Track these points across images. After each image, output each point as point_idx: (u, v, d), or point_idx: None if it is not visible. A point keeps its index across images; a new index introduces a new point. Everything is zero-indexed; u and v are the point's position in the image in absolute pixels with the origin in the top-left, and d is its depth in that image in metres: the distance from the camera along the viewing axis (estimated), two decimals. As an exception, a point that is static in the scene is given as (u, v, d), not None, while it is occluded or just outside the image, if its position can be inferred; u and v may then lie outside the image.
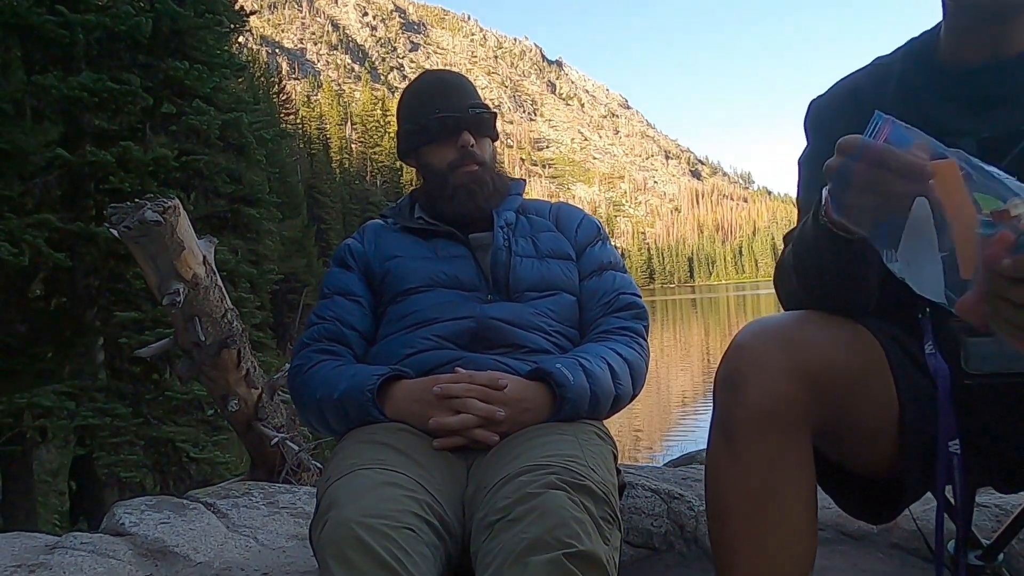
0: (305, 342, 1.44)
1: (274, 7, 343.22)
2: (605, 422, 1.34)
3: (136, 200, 2.80)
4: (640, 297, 1.51)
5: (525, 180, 1.65)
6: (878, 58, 1.13)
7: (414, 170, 1.59)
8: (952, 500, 1.24)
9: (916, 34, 1.10)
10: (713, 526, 0.92)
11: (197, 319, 2.93)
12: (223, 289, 3.13)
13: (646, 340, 1.45)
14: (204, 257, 2.97)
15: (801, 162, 1.14)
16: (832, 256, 0.91)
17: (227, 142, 8.76)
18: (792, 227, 1.10)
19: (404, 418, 1.24)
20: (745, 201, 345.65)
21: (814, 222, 0.91)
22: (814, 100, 1.15)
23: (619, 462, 1.31)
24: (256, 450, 3.49)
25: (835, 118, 1.08)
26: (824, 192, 0.87)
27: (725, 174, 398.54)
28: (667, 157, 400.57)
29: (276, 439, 3.29)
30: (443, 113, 1.46)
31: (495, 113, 1.54)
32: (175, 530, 2.32)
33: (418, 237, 1.49)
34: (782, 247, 1.12)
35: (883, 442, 0.96)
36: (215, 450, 7.71)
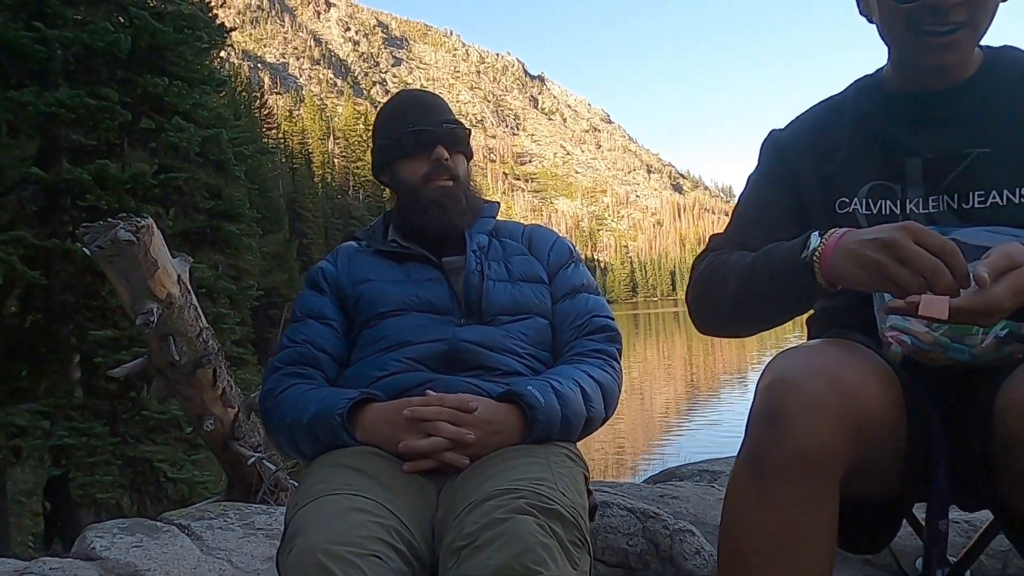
0: (276, 365, 1.44)
1: (256, 21, 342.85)
2: (579, 443, 1.34)
3: (108, 219, 2.78)
4: (613, 319, 1.52)
5: (499, 203, 1.65)
6: (831, 96, 1.18)
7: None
8: (921, 521, 1.26)
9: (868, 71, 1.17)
10: (729, 562, 0.90)
11: (172, 338, 2.90)
12: (198, 308, 3.10)
13: (619, 362, 1.46)
14: (179, 276, 2.94)
15: (750, 180, 1.20)
16: (789, 289, 0.96)
17: (207, 158, 8.71)
18: (718, 233, 1.17)
19: (374, 441, 1.23)
20: (726, 215, 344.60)
21: (795, 258, 0.94)
22: (775, 131, 1.20)
23: (600, 478, 1.31)
24: (233, 470, 3.45)
25: (794, 146, 1.15)
26: (815, 238, 0.92)
27: (706, 188, 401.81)
28: (649, 171, 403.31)
29: (253, 459, 3.26)
30: (417, 127, 1.47)
31: (469, 130, 1.55)
32: (147, 554, 2.29)
33: (391, 260, 1.50)
34: (705, 246, 1.18)
35: (893, 470, 0.98)
36: (193, 470, 7.60)
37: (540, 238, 1.57)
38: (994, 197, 0.99)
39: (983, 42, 1.04)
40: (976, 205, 1.00)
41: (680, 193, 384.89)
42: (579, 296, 1.49)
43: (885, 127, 1.06)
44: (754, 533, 0.87)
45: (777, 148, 1.17)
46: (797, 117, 1.20)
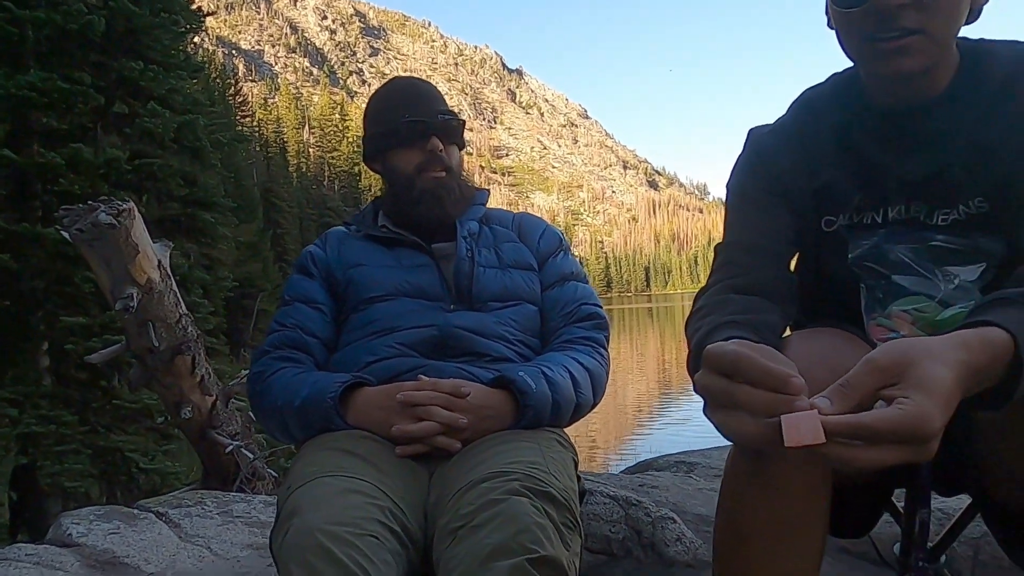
0: (266, 349, 1.43)
1: (231, 8, 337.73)
2: (565, 430, 1.35)
3: (89, 202, 2.73)
4: (601, 307, 1.54)
5: (489, 190, 1.66)
6: (807, 90, 1.15)
7: (375, 176, 1.60)
8: (899, 508, 1.30)
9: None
10: (727, 546, 0.92)
11: (151, 324, 2.87)
12: (178, 294, 3.06)
13: (607, 350, 1.48)
14: (159, 261, 2.90)
15: (738, 190, 1.14)
16: None
17: (181, 144, 8.59)
18: (722, 246, 1.13)
19: (366, 425, 1.24)
20: (701, 212, 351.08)
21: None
22: (756, 131, 1.17)
23: (583, 470, 1.33)
24: (210, 458, 3.42)
25: (783, 158, 1.11)
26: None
27: (682, 185, 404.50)
28: (625, 167, 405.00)
29: (231, 447, 3.23)
30: (412, 117, 1.47)
31: (463, 121, 1.55)
32: (125, 540, 2.26)
33: (381, 245, 1.50)
34: (713, 256, 1.13)
35: None
36: (165, 460, 7.53)
37: (530, 226, 1.58)
38: (968, 208, 1.01)
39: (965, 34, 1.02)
40: (953, 218, 1.02)
41: (655, 190, 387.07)
42: (568, 284, 1.50)
43: (863, 143, 1.05)
44: (757, 519, 0.88)
45: (763, 158, 1.13)
46: (778, 120, 1.16)
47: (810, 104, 1.13)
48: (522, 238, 1.55)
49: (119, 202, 2.73)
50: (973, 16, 1.00)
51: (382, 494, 1.05)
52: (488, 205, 1.61)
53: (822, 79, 1.16)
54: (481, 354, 1.35)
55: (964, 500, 1.27)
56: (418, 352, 1.35)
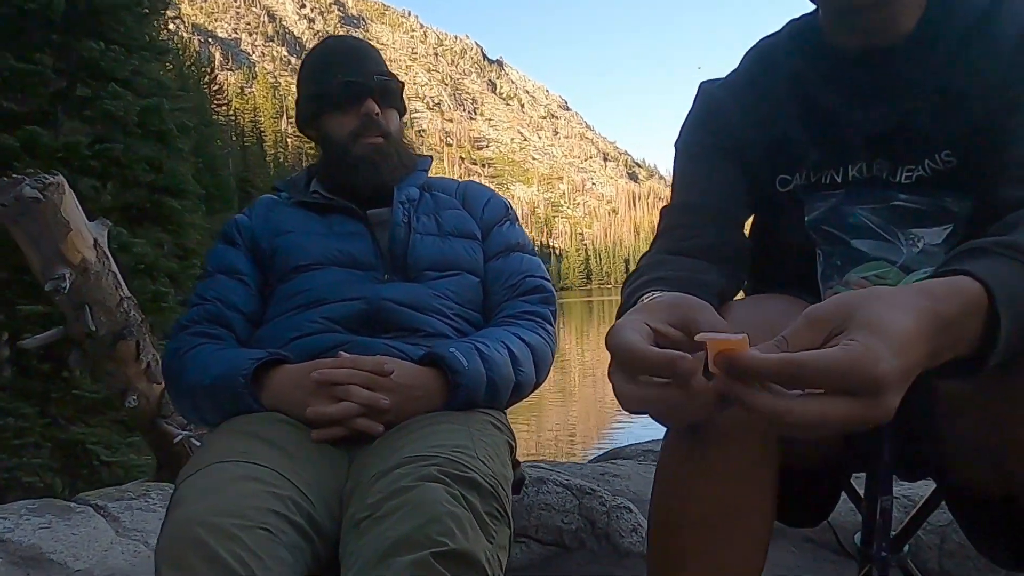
0: (183, 324, 1.31)
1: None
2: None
3: (13, 175, 2.57)
4: (549, 280, 1.44)
5: (431, 157, 1.55)
6: (762, 39, 1.05)
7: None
8: (860, 493, 1.21)
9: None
10: (661, 536, 0.83)
11: (88, 307, 2.71)
12: (118, 276, 2.90)
13: (553, 325, 1.38)
14: (95, 240, 2.75)
15: (686, 148, 1.05)
16: None
17: (147, 129, 8.36)
18: (668, 207, 1.03)
19: (281, 407, 1.13)
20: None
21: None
22: (707, 84, 1.07)
23: (539, 459, 1.23)
24: (160, 449, 3.28)
25: (735, 112, 1.01)
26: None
27: (661, 177, 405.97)
28: (605, 159, 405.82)
29: (179, 436, 3.09)
30: (346, 78, 1.36)
31: (402, 83, 1.45)
32: (55, 535, 2.14)
33: (312, 212, 1.39)
34: (658, 220, 1.04)
35: (833, 434, 0.91)
36: (130, 452, 7.32)
37: (474, 193, 1.47)
38: (934, 164, 0.92)
39: None
40: (918, 174, 0.93)
41: (635, 182, 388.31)
42: (513, 255, 1.40)
43: (821, 92, 0.96)
44: (694, 506, 0.79)
45: (713, 112, 1.03)
46: (732, 72, 1.06)
47: (764, 53, 1.03)
48: (465, 206, 1.45)
49: (45, 175, 2.58)
50: None
51: (285, 482, 0.93)
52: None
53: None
54: (414, 329, 1.24)
55: (930, 485, 1.20)
56: (345, 327, 1.24)
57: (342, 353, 1.15)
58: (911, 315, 0.55)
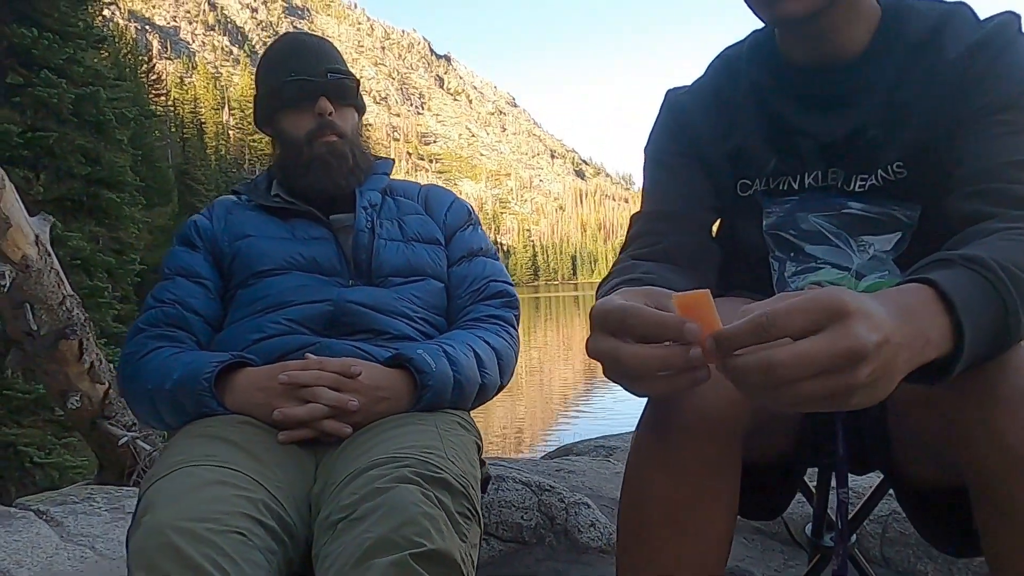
0: (140, 327, 1.29)
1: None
2: (478, 424, 1.27)
3: (-51, 169, 2.46)
4: (512, 285, 1.46)
5: (393, 160, 1.55)
6: (726, 49, 1.10)
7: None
8: (812, 487, 1.27)
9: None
10: (630, 530, 0.84)
11: (28, 306, 2.61)
12: (61, 273, 2.80)
13: (516, 329, 1.40)
14: (37, 236, 2.64)
15: (654, 156, 1.09)
16: None
17: (83, 119, 8.08)
18: (639, 214, 1.07)
19: (246, 410, 1.12)
20: (627, 202, 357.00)
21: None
22: (673, 92, 1.11)
23: (497, 456, 1.24)
24: (102, 451, 3.18)
25: (698, 119, 1.05)
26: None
27: (608, 175, 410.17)
28: (553, 156, 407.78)
29: (125, 438, 3.01)
30: (298, 76, 1.34)
31: (358, 80, 1.43)
32: (-4, 542, 2.06)
33: (275, 216, 1.38)
34: (628, 227, 1.08)
35: (789, 432, 0.95)
36: (65, 453, 7.08)
37: (437, 198, 1.48)
38: (886, 174, 0.97)
39: None
40: (871, 183, 0.98)
41: (583, 179, 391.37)
42: (476, 259, 1.41)
43: (780, 103, 1.01)
44: (657, 503, 0.81)
45: (679, 119, 1.07)
46: (696, 81, 1.11)
47: (728, 63, 1.08)
48: (428, 210, 1.45)
49: (-17, 169, 2.47)
50: None
51: (256, 485, 0.93)
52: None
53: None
54: (379, 331, 1.25)
55: (874, 478, 1.26)
56: (310, 329, 1.23)
57: (309, 355, 1.15)
58: (877, 299, 0.60)
